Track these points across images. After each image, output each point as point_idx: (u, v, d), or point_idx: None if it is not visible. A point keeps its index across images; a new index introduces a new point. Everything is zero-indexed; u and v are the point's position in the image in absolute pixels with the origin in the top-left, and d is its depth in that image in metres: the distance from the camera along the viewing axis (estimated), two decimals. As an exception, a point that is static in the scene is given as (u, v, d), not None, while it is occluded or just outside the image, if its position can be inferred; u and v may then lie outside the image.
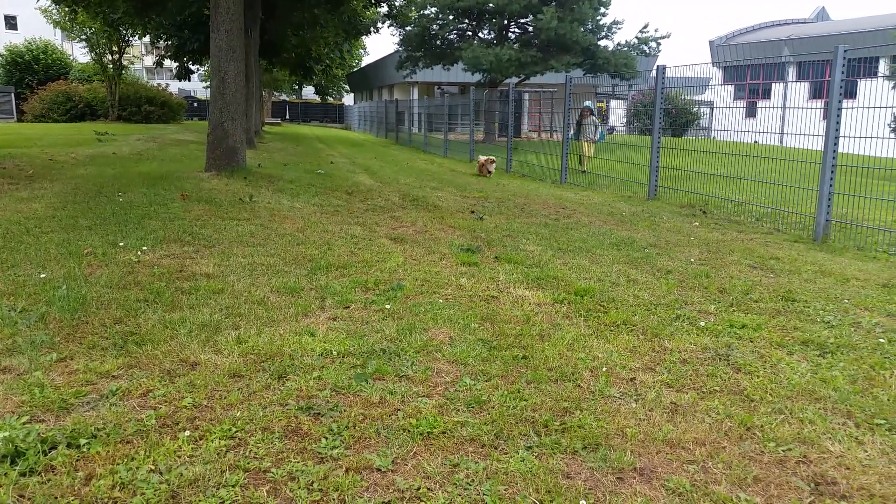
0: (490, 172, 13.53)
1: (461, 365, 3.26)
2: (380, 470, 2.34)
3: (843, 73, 7.22)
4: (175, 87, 47.36)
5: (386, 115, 32.61)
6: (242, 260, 5.15)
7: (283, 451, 2.44)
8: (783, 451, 2.55)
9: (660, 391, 3.03)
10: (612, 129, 33.19)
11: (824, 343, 3.72)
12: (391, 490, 2.23)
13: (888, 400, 3.01)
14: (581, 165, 14.62)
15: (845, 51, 7.22)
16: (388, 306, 4.09)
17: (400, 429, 2.61)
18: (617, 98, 34.15)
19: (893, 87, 16.57)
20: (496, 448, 2.49)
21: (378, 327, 3.72)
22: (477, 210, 8.31)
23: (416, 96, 34.70)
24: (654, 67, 10.42)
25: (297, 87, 56.39)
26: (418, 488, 2.23)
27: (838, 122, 7.27)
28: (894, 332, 3.96)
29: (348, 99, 65.75)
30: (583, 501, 2.16)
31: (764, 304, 4.45)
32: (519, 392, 2.96)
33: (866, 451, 2.57)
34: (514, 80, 23.63)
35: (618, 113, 35.04)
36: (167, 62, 27.78)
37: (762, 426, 2.73)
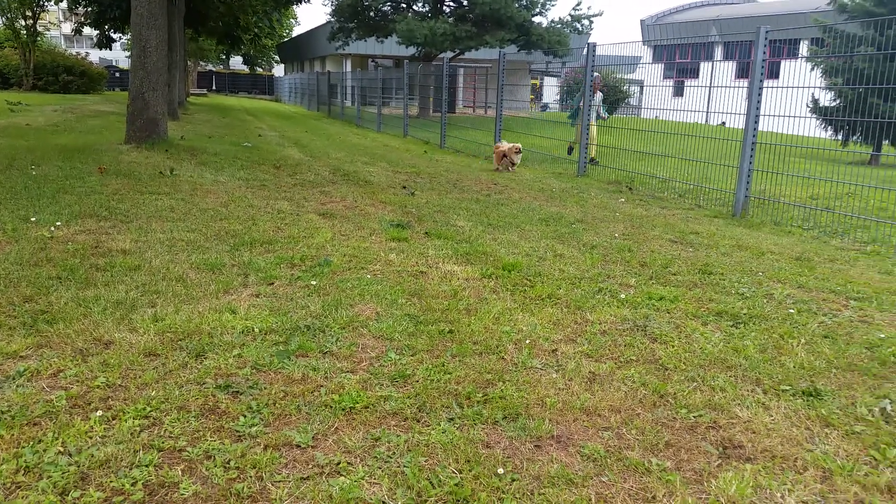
0: (514, 165, 10.66)
1: (387, 340, 3.25)
2: (299, 446, 2.32)
3: (764, 53, 7.47)
4: (96, 55, 45.08)
5: (318, 87, 31.96)
6: (161, 235, 4.98)
7: (200, 430, 2.38)
8: (694, 417, 2.65)
9: (579, 361, 3.10)
10: (545, 107, 33.54)
11: (738, 314, 3.88)
12: (311, 466, 2.21)
13: (794, 367, 3.18)
14: (589, 153, 11.93)
15: (767, 31, 7.46)
16: (314, 282, 4.03)
17: (322, 405, 2.59)
18: (550, 75, 34.45)
19: (813, 69, 17.33)
20: (418, 421, 2.50)
21: (303, 303, 3.67)
22: (409, 186, 8.27)
23: (349, 69, 34.12)
24: (585, 45, 10.54)
25: (224, 56, 54.57)
26: (338, 463, 2.22)
27: (759, 102, 7.53)
28: (804, 303, 4.16)
29: (278, 70, 64.11)
30: (500, 469, 2.20)
31: (682, 277, 4.61)
32: (444, 366, 2.98)
33: (772, 416, 2.70)
34: (449, 54, 23.51)
35: (551, 90, 35.40)
36: (87, 30, 26.38)
37: (675, 394, 2.83)
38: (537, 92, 36.96)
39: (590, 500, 2.08)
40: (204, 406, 2.55)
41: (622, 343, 3.38)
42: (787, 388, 2.95)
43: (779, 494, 2.17)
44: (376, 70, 24.82)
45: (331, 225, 5.69)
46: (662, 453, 2.38)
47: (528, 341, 3.32)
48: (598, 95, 12.59)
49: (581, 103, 12.29)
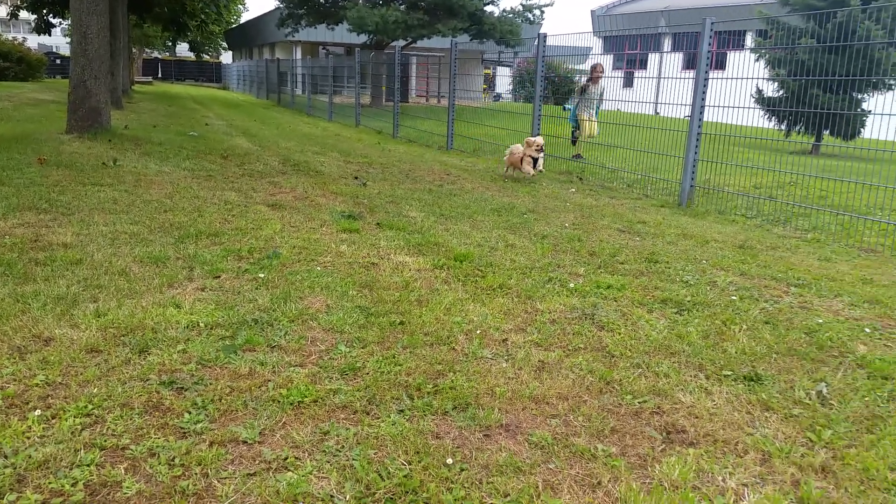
0: (535, 169, 8.56)
1: (337, 332, 3.23)
2: (246, 442, 2.29)
3: (710, 44, 7.61)
4: (34, 41, 43.28)
5: (267, 75, 31.38)
6: (104, 228, 4.83)
7: (144, 428, 2.33)
8: (639, 403, 2.71)
9: (529, 350, 3.14)
10: (498, 97, 33.65)
11: (682, 301, 3.97)
12: (258, 461, 2.19)
13: (735, 352, 3.27)
14: (575, 147, 11.51)
15: (713, 23, 7.60)
16: (261, 275, 3.97)
17: (269, 400, 2.56)
18: (503, 65, 34.57)
19: (757, 60, 17.79)
20: (368, 413, 2.50)
21: (250, 297, 3.61)
22: (360, 176, 8.21)
23: (299, 56, 33.60)
24: (537, 35, 10.60)
25: (170, 43, 53.09)
26: (286, 458, 2.20)
27: (704, 93, 7.69)
28: (746, 289, 4.29)
29: (226, 57, 62.71)
30: (449, 459, 2.21)
31: (629, 266, 4.70)
32: (394, 357, 2.97)
33: (714, 401, 2.78)
34: (401, 42, 23.37)
35: (504, 80, 35.50)
36: (24, 14, 25.29)
37: (621, 380, 2.89)
38: (490, 82, 37.04)
39: (537, 487, 2.11)
40: (148, 403, 2.50)
41: (571, 331, 3.42)
42: (729, 373, 3.04)
43: (720, 478, 2.24)
44: (327, 58, 24.51)
45: (280, 216, 5.60)
46: (608, 439, 2.43)
47: (478, 331, 3.34)
48: (601, 85, 11.55)
49: (585, 91, 11.61)
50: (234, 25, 51.80)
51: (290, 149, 10.83)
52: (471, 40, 23.01)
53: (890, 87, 17.60)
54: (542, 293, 3.99)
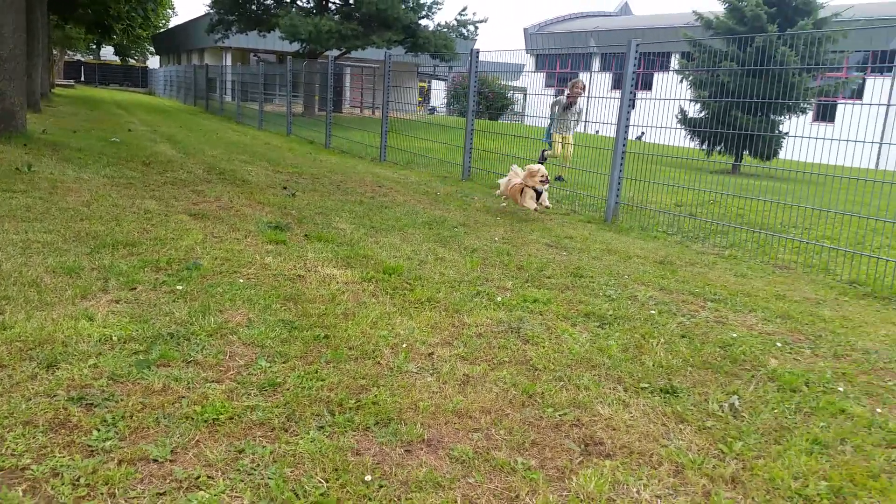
0: (539, 204, 7.35)
1: (258, 347, 3.15)
2: (157, 461, 2.20)
3: (635, 65, 7.86)
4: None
5: (195, 81, 30.59)
6: (15, 237, 4.58)
7: (48, 446, 2.21)
8: (559, 415, 2.75)
9: (454, 364, 3.14)
10: (433, 110, 33.87)
11: (604, 315, 4.07)
12: (168, 480, 2.10)
13: (653, 365, 3.37)
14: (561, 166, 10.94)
15: (637, 45, 7.86)
16: (180, 287, 3.84)
17: (183, 417, 2.47)
18: (438, 79, 34.85)
19: (681, 81, 18.51)
20: (286, 430, 2.44)
21: (167, 310, 3.48)
22: (290, 186, 8.08)
23: (229, 62, 32.93)
24: (470, 51, 10.73)
25: (94, 46, 51.15)
26: (198, 477, 2.12)
27: (629, 112, 7.93)
28: (665, 304, 4.43)
29: (154, 62, 60.86)
30: (368, 476, 2.19)
31: (555, 280, 4.78)
32: (317, 372, 2.92)
33: (631, 413, 2.85)
34: (335, 52, 23.24)
35: (439, 94, 35.78)
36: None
37: (543, 393, 2.92)
38: (426, 95, 37.25)
39: (455, 502, 2.11)
40: (54, 420, 2.37)
41: (496, 345, 3.45)
42: (646, 385, 3.12)
43: (635, 490, 2.29)
44: (258, 65, 24.11)
45: (202, 226, 5.45)
46: (528, 452, 2.45)
47: (405, 345, 3.32)
48: (580, 104, 11.15)
49: (568, 109, 11.06)
50: (161, 30, 50.41)
51: (216, 156, 10.57)
52: (406, 53, 23.12)
53: (804, 111, 18.61)
54: (470, 307, 4.01)
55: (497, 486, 2.22)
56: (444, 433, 2.53)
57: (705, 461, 2.50)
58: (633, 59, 7.83)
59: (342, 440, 2.40)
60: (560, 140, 10.87)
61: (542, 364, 3.25)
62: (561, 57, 46.78)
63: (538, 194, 7.31)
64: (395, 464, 2.29)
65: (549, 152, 10.71)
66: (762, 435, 2.76)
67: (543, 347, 3.47)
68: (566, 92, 11.33)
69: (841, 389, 3.30)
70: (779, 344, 3.87)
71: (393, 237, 5.72)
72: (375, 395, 2.75)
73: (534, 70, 45.32)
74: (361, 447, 2.38)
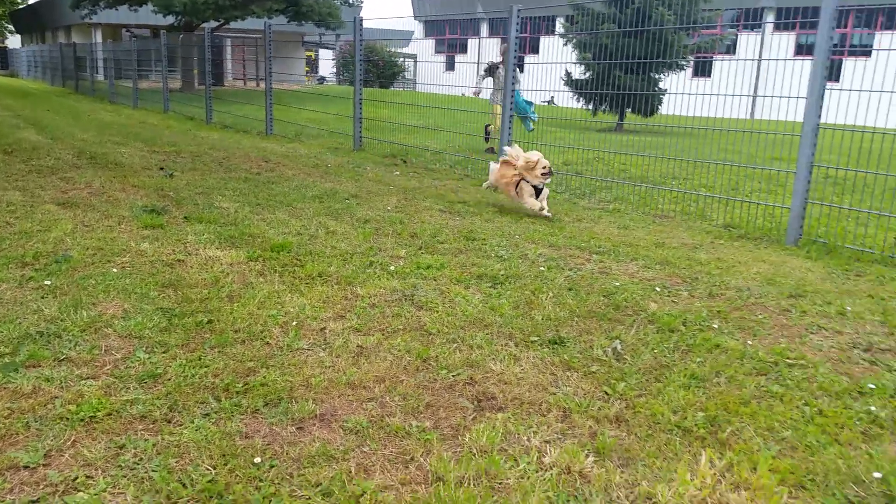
0: (540, 202, 6.04)
1: (135, 339, 3.00)
2: (28, 467, 2.06)
3: (517, 30, 7.92)
4: None
5: (62, 60, 28.42)
6: None
7: None
8: (453, 376, 2.79)
9: (347, 337, 3.12)
10: (322, 80, 33.10)
11: (496, 275, 4.14)
12: (42, 486, 1.98)
13: (542, 319, 3.47)
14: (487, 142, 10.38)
15: (519, 10, 7.92)
16: (48, 282, 3.59)
17: (56, 418, 2.32)
18: (326, 48, 34.02)
19: (565, 44, 18.88)
20: (170, 421, 2.34)
21: (35, 307, 3.25)
22: (167, 167, 7.69)
23: (99, 40, 30.76)
24: (353, 19, 10.50)
25: (-59, 25, 46.48)
26: (76, 478, 2.01)
27: (514, 76, 8.01)
28: (553, 260, 4.56)
29: (14, 41, 55.98)
30: (258, 458, 2.14)
31: (449, 245, 4.82)
32: (200, 359, 2.82)
33: (521, 366, 2.92)
34: (213, 24, 22.16)
35: (328, 63, 34.96)
36: None
37: (437, 357, 2.95)
38: (313, 64, 36.32)
39: (350, 472, 2.10)
40: None
41: (390, 314, 3.44)
42: (536, 339, 3.21)
43: (525, 438, 2.36)
44: (131, 41, 22.66)
45: (72, 215, 5.10)
46: (423, 415, 2.48)
47: (294, 323, 3.26)
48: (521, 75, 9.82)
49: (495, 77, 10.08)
50: (21, 6, 46.31)
51: (86, 140, 9.90)
52: (288, 22, 22.37)
53: (682, 68, 19.45)
54: (363, 278, 3.98)
55: (392, 451, 2.23)
56: (338, 406, 2.51)
57: (591, 404, 2.61)
58: (516, 25, 7.90)
59: (229, 425, 2.33)
60: (499, 112, 9.77)
61: (436, 328, 3.27)
62: (450, 23, 46.66)
63: (537, 191, 6.02)
64: (286, 442, 2.25)
65: (493, 126, 10.04)
66: (643, 374, 2.91)
67: (437, 312, 3.49)
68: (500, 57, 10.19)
69: (716, 326, 3.53)
70: (658, 289, 4.07)
71: (281, 213, 5.57)
72: (264, 377, 2.69)
73: (423, 37, 45.05)
74: (250, 430, 2.32)
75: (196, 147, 9.73)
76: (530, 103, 10.00)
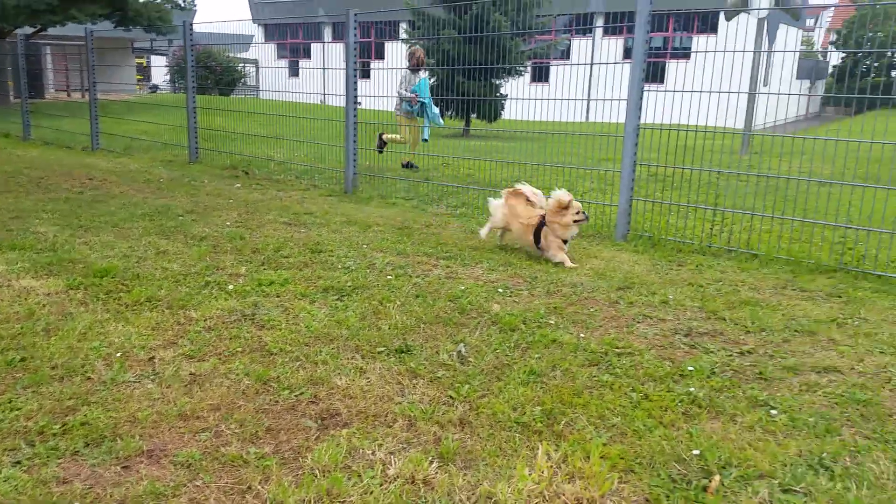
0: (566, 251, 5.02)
1: (-72, 386, 2.65)
2: None
3: (355, 35, 7.88)
4: None
5: None
6: None
7: None
8: (296, 396, 2.72)
9: (179, 365, 2.94)
10: (155, 88, 31.26)
11: (343, 287, 4.09)
12: None
13: (389, 328, 3.47)
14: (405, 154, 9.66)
15: (356, 14, 7.88)
16: None
17: None
18: (158, 54, 32.12)
19: (408, 50, 19.07)
20: (-30, 477, 2.09)
21: None
22: (-25, 189, 6.92)
23: None
24: (183, 23, 9.98)
25: None
26: None
27: (355, 83, 7.97)
28: (401, 268, 4.58)
29: None
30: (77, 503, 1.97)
31: (294, 259, 4.70)
32: (10, 402, 2.54)
33: (368, 378, 2.90)
34: (29, 30, 20.22)
35: (161, 70, 33.07)
36: None
37: (278, 377, 2.86)
38: (146, 72, 34.22)
39: (181, 511, 1.98)
40: None
41: (228, 336, 3.30)
42: (383, 349, 3.21)
43: (370, 451, 2.34)
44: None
45: None
46: (262, 440, 2.39)
47: (119, 354, 3.02)
48: (422, 76, 9.57)
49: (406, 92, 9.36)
50: None
51: None
52: (115, 27, 20.87)
53: (520, 73, 20.32)
54: (198, 300, 3.78)
55: (227, 482, 2.12)
56: (168, 440, 2.35)
57: (436, 410, 2.65)
58: (353, 29, 7.87)
59: (45, 472, 2.12)
60: (408, 122, 9.47)
61: (278, 347, 3.17)
62: (291, 27, 45.67)
63: (558, 238, 4.96)
64: (110, 484, 2.08)
65: (391, 136, 9.48)
66: (486, 375, 2.99)
67: (280, 330, 3.39)
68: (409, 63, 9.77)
69: (552, 322, 3.70)
70: (501, 290, 4.22)
71: (106, 235, 5.16)
72: (85, 415, 2.47)
73: (263, 41, 43.82)
74: (69, 474, 2.12)
75: (11, 166, 8.80)
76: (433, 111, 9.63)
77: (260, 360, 3.04)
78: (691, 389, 2.93)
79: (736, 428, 2.61)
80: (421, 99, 9.32)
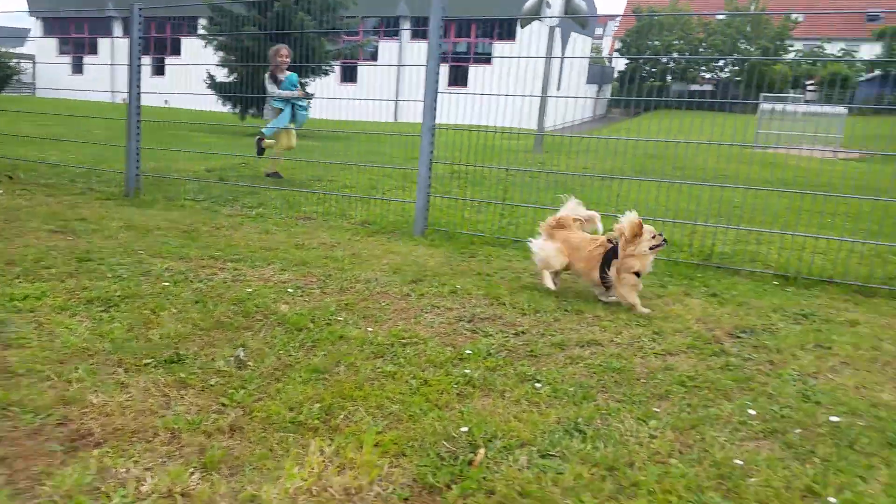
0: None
1: None
2: None
3: (140, 30, 7.32)
4: None
5: None
6: None
7: None
8: (41, 419, 2.43)
9: None
10: None
11: (110, 297, 3.75)
12: None
13: (160, 338, 3.23)
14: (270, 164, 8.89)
15: (140, 9, 7.32)
16: None
17: None
18: None
19: (206, 46, 18.12)
20: None
21: None
22: None
23: None
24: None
25: None
26: None
27: (139, 80, 7.39)
28: (182, 273, 4.29)
29: None
30: None
31: (56, 269, 4.23)
32: None
33: (129, 393, 2.67)
34: None
35: None
36: None
37: (21, 400, 2.54)
38: None
39: None
40: None
41: (-39, 360, 2.88)
42: (150, 360, 2.97)
43: (124, 469, 2.15)
44: None
45: None
46: (-11, 474, 2.10)
47: None
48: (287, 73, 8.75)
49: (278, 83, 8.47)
50: None
51: None
52: None
53: (326, 73, 20.08)
54: (-71, 321, 3.27)
55: (-62, 527, 1.84)
56: None
57: (205, 419, 2.50)
58: (138, 24, 7.32)
59: None
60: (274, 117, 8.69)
61: (24, 368, 2.82)
62: (76, 21, 41.49)
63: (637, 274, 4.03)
64: None
65: (271, 141, 8.66)
66: (265, 378, 2.88)
67: (30, 348, 3.02)
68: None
69: (342, 318, 3.68)
70: (291, 290, 4.11)
71: None
72: None
73: (42, 35, 39.54)
74: None
75: None
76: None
77: (1, 383, 2.69)
78: (467, 371, 3.04)
79: (504, 403, 2.75)
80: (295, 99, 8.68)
